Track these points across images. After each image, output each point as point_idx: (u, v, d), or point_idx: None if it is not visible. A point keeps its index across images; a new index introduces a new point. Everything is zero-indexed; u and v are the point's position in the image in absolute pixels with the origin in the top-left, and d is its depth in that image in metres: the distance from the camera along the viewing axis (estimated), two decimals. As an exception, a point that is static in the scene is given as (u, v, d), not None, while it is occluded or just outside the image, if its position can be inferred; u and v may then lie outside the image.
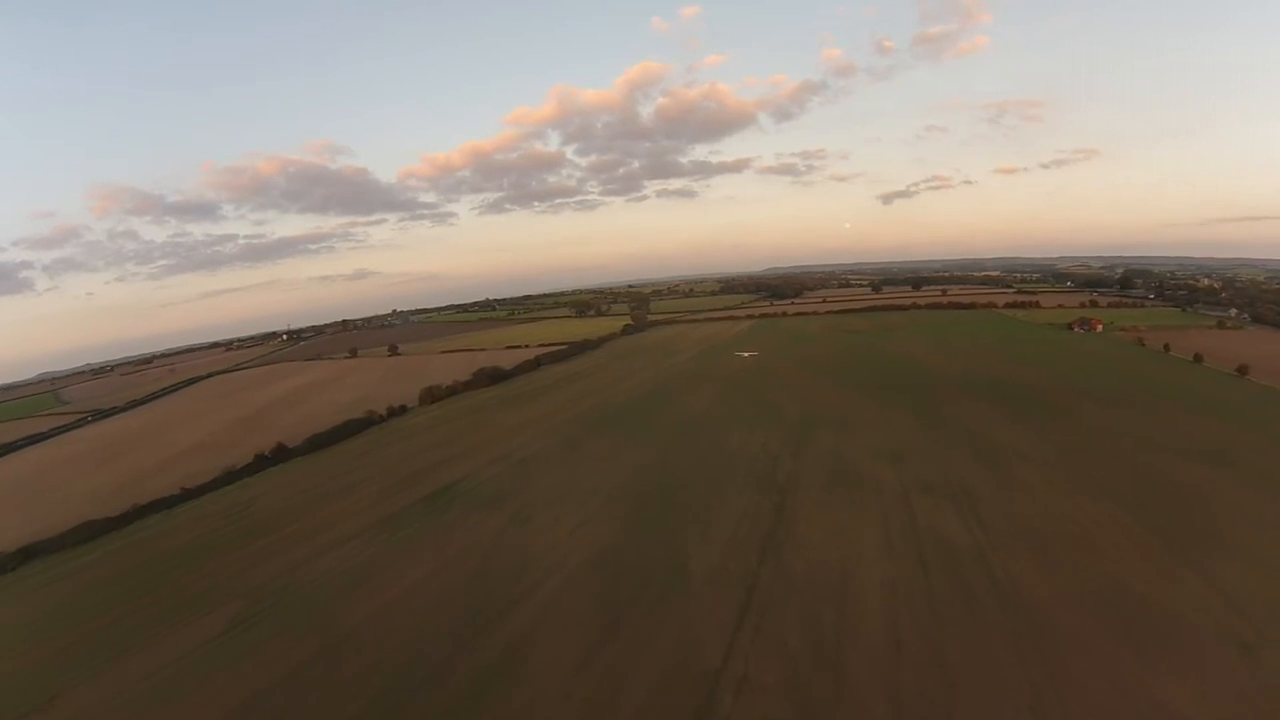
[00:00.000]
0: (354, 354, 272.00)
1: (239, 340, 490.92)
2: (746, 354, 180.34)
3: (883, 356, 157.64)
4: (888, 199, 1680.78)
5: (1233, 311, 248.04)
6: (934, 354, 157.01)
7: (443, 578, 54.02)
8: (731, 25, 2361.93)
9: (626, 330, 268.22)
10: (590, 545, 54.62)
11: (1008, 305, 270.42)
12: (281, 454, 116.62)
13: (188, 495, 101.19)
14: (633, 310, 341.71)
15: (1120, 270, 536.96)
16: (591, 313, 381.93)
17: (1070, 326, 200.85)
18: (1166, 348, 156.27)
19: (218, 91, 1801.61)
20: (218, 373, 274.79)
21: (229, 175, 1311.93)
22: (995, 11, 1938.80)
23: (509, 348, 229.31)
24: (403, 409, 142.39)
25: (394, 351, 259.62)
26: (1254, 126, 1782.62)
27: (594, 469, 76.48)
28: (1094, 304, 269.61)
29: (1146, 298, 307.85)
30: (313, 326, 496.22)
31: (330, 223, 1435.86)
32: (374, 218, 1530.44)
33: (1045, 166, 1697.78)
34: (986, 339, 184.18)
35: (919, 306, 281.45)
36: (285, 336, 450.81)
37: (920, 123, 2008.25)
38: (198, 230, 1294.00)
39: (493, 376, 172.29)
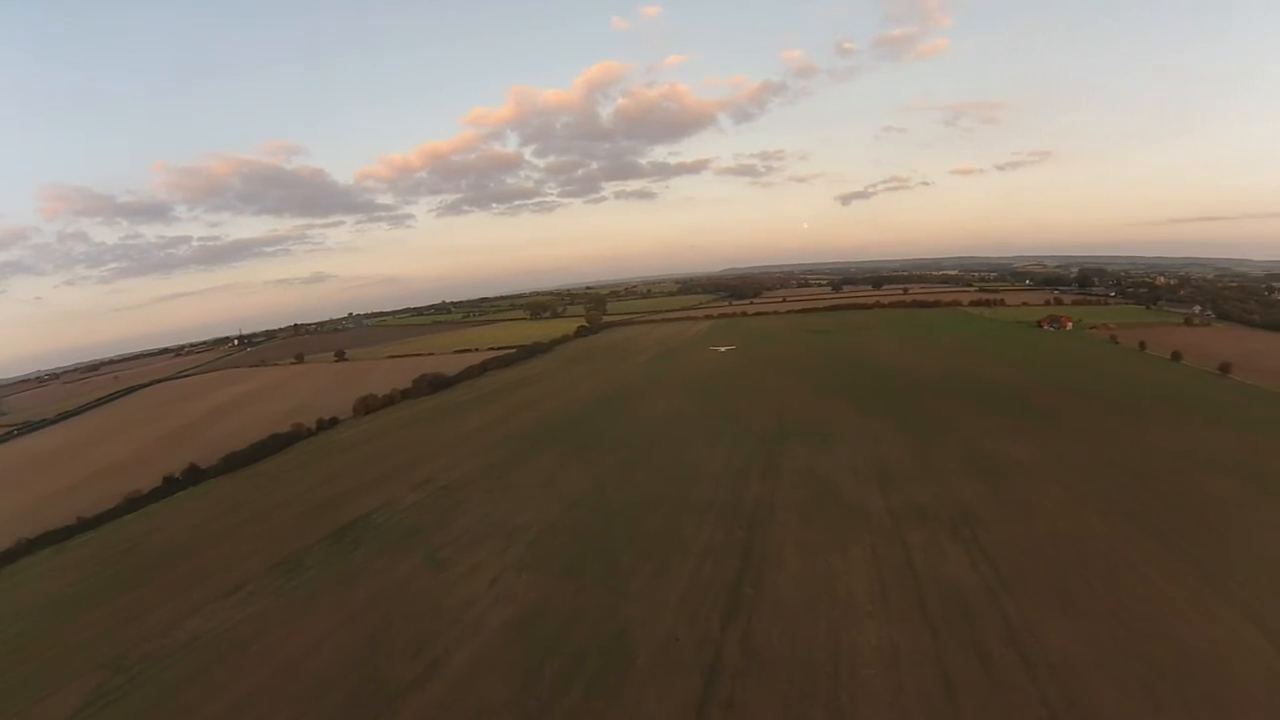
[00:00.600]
0: (300, 359, 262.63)
1: (190, 345, 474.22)
2: (723, 349, 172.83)
3: (853, 356, 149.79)
4: (846, 199, 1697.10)
5: (1196, 308, 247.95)
6: (907, 353, 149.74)
7: (335, 643, 43.06)
8: (693, 25, 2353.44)
9: (580, 332, 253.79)
10: (513, 602, 43.74)
11: (972, 303, 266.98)
12: (194, 475, 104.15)
13: (84, 526, 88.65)
14: (588, 311, 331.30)
15: (1076, 270, 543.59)
16: (547, 314, 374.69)
17: (1039, 324, 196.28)
18: (1142, 345, 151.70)
19: (170, 90, 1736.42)
20: (161, 380, 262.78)
21: (182, 176, 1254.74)
22: (956, 14, 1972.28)
23: (458, 351, 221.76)
24: (334, 422, 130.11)
25: (341, 357, 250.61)
26: (1207, 131, 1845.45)
27: (528, 497, 65.44)
28: (1058, 301, 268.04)
29: (1108, 295, 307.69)
30: (265, 331, 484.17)
31: (286, 225, 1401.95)
32: (331, 220, 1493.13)
33: (1001, 168, 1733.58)
34: (958, 337, 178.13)
35: (882, 305, 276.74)
36: (236, 341, 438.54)
37: (879, 124, 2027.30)
38: (150, 232, 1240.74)
39: (434, 384, 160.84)
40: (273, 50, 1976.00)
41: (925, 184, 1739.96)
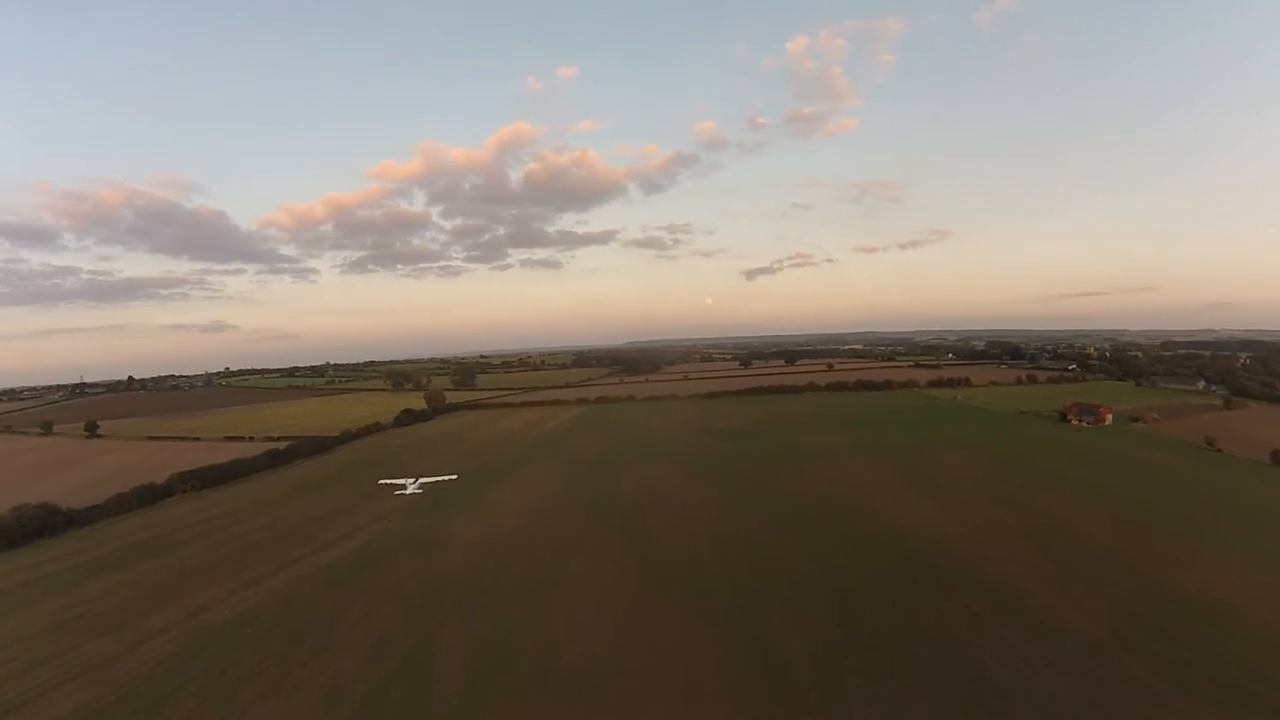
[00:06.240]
0: (48, 430, 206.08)
1: (29, 389, 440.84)
2: (411, 489, 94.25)
3: (820, 511, 73.48)
4: (751, 275, 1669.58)
5: (1200, 384, 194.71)
6: (922, 497, 75.13)
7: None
8: (607, 90, 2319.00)
9: (401, 419, 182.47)
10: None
11: (930, 384, 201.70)
12: None
13: None
14: (428, 391, 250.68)
15: (983, 343, 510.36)
16: (409, 385, 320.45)
17: (1065, 416, 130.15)
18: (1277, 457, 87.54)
19: (58, 106, 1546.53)
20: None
21: (69, 200, 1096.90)
22: (866, 95, 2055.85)
23: (228, 439, 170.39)
24: None
25: (93, 432, 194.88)
26: (1088, 211, 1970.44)
27: None
28: (1032, 379, 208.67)
29: (1067, 369, 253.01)
30: (105, 381, 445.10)
31: (183, 267, 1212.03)
32: (231, 266, 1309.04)
33: (903, 246, 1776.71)
34: (977, 447, 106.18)
35: (818, 388, 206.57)
36: (72, 389, 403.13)
37: (786, 200, 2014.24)
38: (34, 258, 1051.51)
39: (8, 538, 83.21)
40: (171, 77, 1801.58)
41: (830, 261, 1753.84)
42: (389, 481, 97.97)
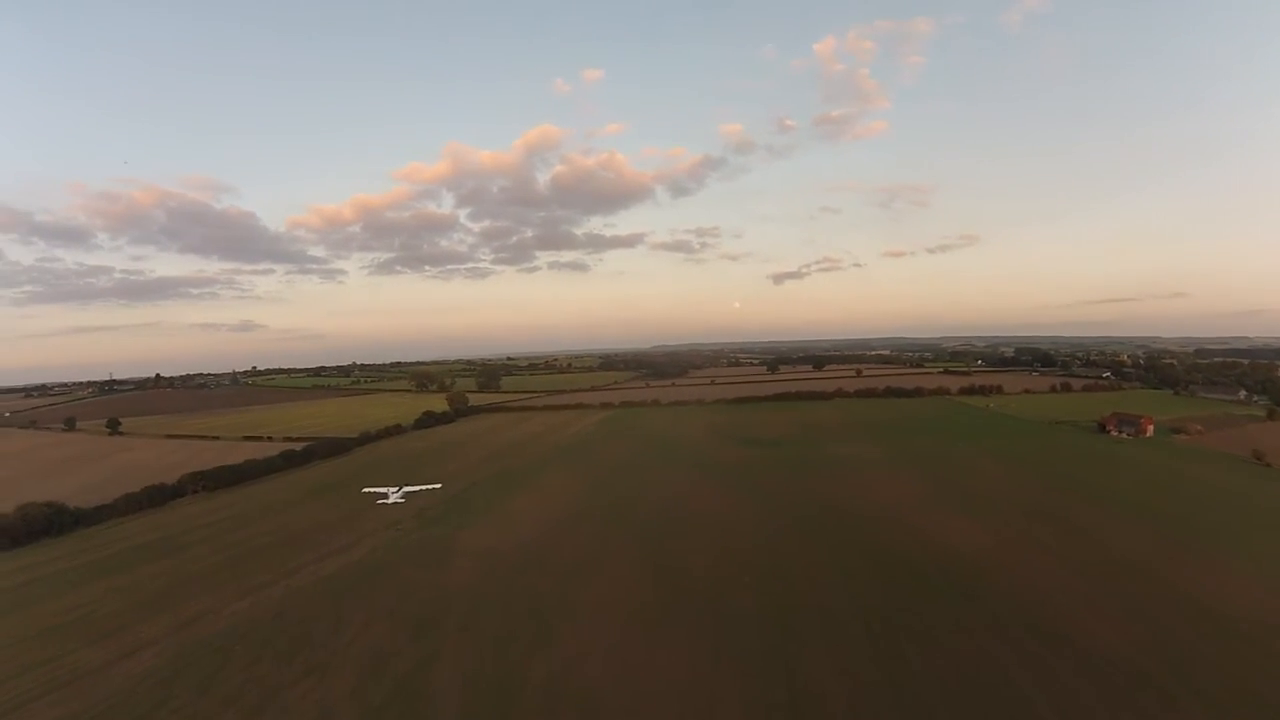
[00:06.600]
0: (70, 426, 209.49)
1: (62, 385, 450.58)
2: (394, 498, 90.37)
3: (848, 527, 70.18)
4: (779, 279, 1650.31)
5: (1241, 393, 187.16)
6: (953, 514, 71.82)
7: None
8: (634, 92, 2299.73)
9: (422, 422, 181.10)
10: None
11: (962, 391, 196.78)
12: None
13: None
14: (450, 394, 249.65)
15: (1013, 349, 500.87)
16: (434, 387, 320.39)
17: (1104, 427, 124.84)
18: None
19: (91, 105, 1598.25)
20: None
21: (103, 200, 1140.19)
22: (894, 98, 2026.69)
23: (246, 438, 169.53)
24: None
25: (114, 429, 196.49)
26: (1117, 215, 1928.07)
27: None
28: (1066, 387, 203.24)
29: (1101, 377, 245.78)
30: (134, 379, 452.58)
31: (213, 267, 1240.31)
32: (260, 266, 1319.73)
33: (931, 251, 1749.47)
34: (1014, 460, 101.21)
35: (846, 394, 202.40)
36: (101, 386, 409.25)
37: (814, 203, 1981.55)
38: (69, 257, 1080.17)
39: (12, 536, 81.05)
40: (202, 81, 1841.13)
41: (858, 265, 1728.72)
42: (372, 490, 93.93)
